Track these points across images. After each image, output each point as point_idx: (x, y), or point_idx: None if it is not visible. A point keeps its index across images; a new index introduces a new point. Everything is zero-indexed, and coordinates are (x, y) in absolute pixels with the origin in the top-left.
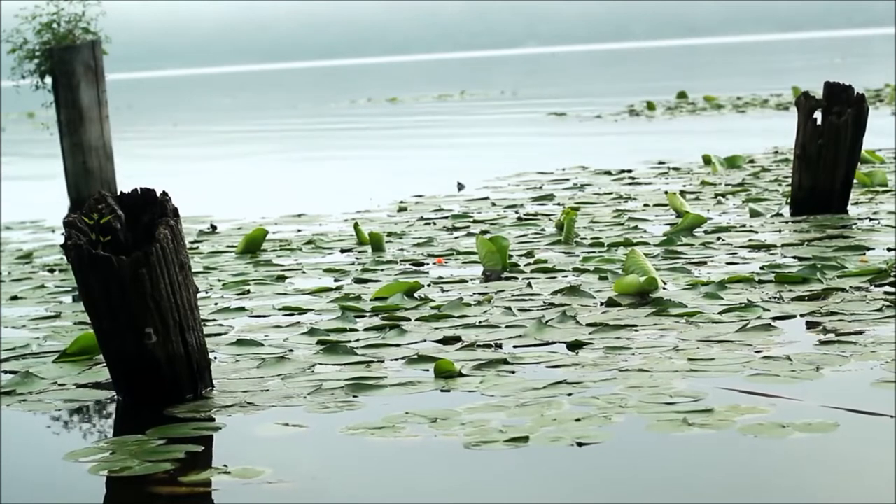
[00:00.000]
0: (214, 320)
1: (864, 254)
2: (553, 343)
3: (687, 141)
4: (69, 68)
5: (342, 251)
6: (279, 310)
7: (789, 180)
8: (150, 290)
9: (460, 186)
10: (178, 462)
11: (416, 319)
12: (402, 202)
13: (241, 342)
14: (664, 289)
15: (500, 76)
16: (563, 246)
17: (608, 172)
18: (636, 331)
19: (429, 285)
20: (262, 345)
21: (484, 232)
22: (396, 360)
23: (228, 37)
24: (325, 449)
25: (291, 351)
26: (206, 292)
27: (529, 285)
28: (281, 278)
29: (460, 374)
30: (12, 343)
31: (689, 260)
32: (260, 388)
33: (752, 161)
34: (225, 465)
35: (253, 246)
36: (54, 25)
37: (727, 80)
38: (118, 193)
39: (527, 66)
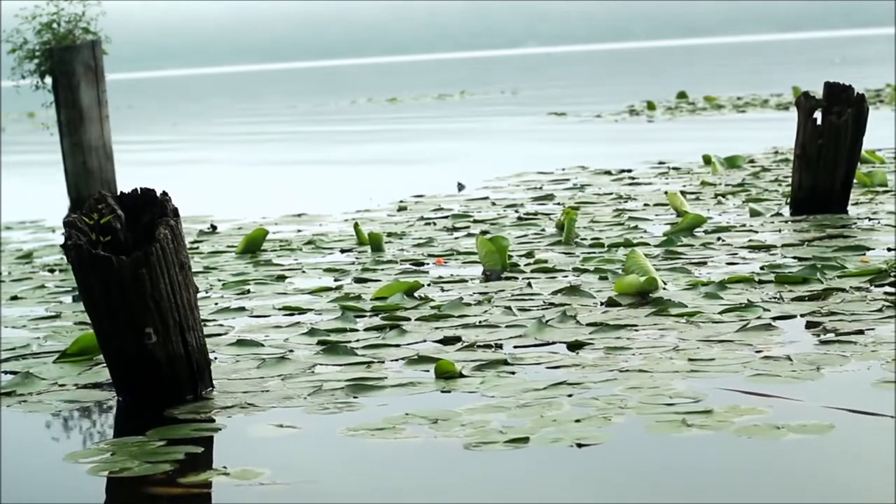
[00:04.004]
0: (214, 320)
1: (864, 254)
2: (553, 343)
3: (687, 141)
4: (69, 68)
5: (342, 251)
6: (279, 310)
7: (789, 180)
8: (150, 290)
9: (460, 186)
10: (178, 463)
11: (416, 319)
12: (402, 202)
13: (241, 342)
14: (664, 289)
15: (500, 76)
16: (563, 246)
17: (608, 172)
18: (636, 331)
19: (429, 285)
20: (263, 345)
21: (484, 232)
22: (396, 360)
23: (228, 37)
24: (325, 450)
25: (291, 351)
26: (206, 292)
27: (529, 285)
28: (281, 278)
29: (461, 375)
30: (12, 343)
31: (689, 260)
32: (260, 388)
33: (752, 161)
34: (224, 467)
35: (253, 246)
36: (54, 25)
37: (727, 81)
38: (118, 193)
39: (527, 66)
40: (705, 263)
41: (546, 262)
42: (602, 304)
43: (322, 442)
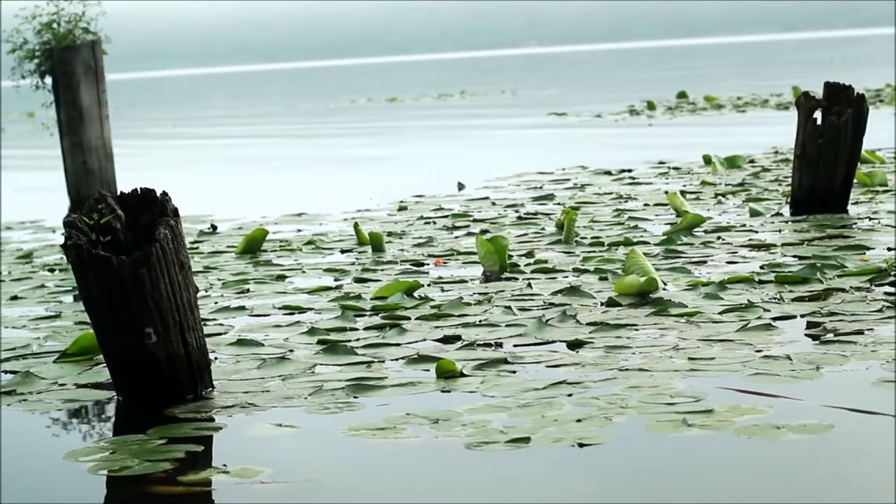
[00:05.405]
0: (214, 320)
1: (865, 253)
2: (553, 342)
3: (687, 141)
4: (69, 68)
5: (342, 251)
6: (279, 309)
7: (789, 180)
8: (150, 290)
9: (460, 186)
10: (178, 462)
11: (417, 319)
12: (402, 202)
13: (241, 342)
14: (664, 289)
15: (500, 76)
16: (563, 246)
17: (608, 172)
18: (636, 330)
19: (429, 285)
20: (263, 345)
21: (484, 232)
22: (397, 359)
23: (228, 37)
24: (326, 450)
25: (292, 351)
26: (206, 292)
27: (529, 285)
28: (281, 278)
29: (461, 374)
30: (12, 343)
31: (689, 260)
32: (260, 388)
33: (752, 161)
34: (224, 465)
35: (253, 246)
36: (54, 25)
37: (727, 81)
38: (118, 193)
39: (527, 66)
40: (705, 263)
41: (546, 261)
42: (602, 304)
43: (322, 441)
